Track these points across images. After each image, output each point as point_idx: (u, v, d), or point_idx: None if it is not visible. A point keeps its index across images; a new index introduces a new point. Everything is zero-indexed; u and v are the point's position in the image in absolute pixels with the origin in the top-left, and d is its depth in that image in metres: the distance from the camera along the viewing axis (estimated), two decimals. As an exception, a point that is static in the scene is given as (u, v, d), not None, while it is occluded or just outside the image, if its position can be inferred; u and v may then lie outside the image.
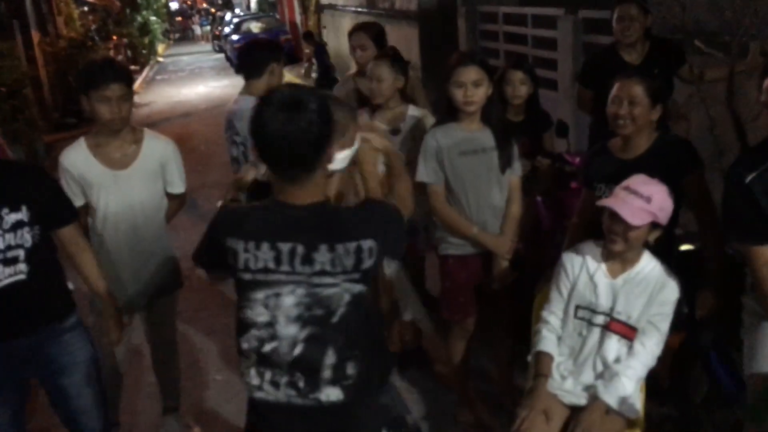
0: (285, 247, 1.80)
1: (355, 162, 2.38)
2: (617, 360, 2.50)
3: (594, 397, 2.47)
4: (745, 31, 3.35)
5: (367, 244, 1.84)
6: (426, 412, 3.46)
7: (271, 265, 1.81)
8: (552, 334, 2.61)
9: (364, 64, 3.74)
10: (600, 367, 2.52)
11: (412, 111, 3.44)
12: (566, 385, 2.56)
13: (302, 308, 1.84)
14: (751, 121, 3.10)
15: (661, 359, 2.53)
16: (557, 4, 6.31)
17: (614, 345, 2.50)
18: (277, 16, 23.08)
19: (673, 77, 3.98)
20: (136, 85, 17.51)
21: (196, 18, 42.36)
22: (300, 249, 1.80)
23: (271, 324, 1.85)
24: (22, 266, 2.36)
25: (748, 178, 2.21)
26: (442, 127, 3.00)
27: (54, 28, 13.39)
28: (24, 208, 2.35)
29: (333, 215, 1.89)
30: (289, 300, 1.83)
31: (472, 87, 2.83)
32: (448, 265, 3.11)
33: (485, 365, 3.59)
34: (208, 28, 34.75)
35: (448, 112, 2.95)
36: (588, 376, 2.54)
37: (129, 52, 19.70)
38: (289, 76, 17.30)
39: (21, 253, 2.35)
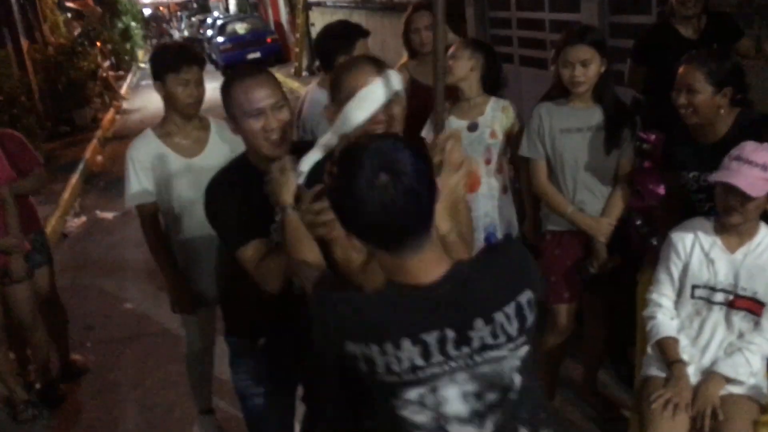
0: (431, 337, 1.40)
1: None
2: (740, 336, 2.39)
3: (711, 372, 2.38)
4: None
5: (525, 296, 1.47)
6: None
7: (420, 362, 1.40)
8: (668, 318, 2.49)
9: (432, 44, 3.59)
10: (724, 348, 2.41)
11: (495, 103, 3.16)
12: (689, 370, 2.44)
13: (473, 400, 1.45)
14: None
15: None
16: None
17: (739, 322, 2.39)
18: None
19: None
20: (123, 91, 17.20)
21: (174, 23, 41.85)
22: (450, 334, 1.41)
23: (440, 426, 1.45)
24: None
25: None
26: (549, 102, 2.93)
27: (41, 35, 13.06)
28: None
29: (476, 277, 1.47)
30: (452, 392, 1.44)
31: (579, 66, 2.73)
32: (545, 241, 3.07)
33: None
34: (186, 33, 34.27)
35: (557, 88, 2.83)
36: (710, 359, 2.43)
37: (113, 58, 19.33)
38: (279, 75, 17.15)
39: None
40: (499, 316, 1.44)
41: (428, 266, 1.44)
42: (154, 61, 2.88)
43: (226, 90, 2.08)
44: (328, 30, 3.43)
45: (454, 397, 1.44)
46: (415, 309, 1.43)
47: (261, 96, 2.02)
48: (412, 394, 1.44)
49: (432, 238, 1.45)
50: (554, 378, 3.26)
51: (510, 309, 1.45)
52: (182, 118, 2.85)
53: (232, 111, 2.06)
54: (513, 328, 1.45)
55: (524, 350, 1.49)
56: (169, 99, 2.81)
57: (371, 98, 1.83)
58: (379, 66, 1.91)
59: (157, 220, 2.96)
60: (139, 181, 2.86)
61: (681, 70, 2.56)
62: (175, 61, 2.75)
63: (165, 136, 2.88)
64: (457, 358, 1.43)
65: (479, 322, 1.43)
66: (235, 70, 2.14)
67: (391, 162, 1.37)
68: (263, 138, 2.03)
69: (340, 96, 1.89)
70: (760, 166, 2.25)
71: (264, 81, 2.07)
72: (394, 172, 1.36)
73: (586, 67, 2.75)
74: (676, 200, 2.82)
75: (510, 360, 1.47)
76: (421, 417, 1.45)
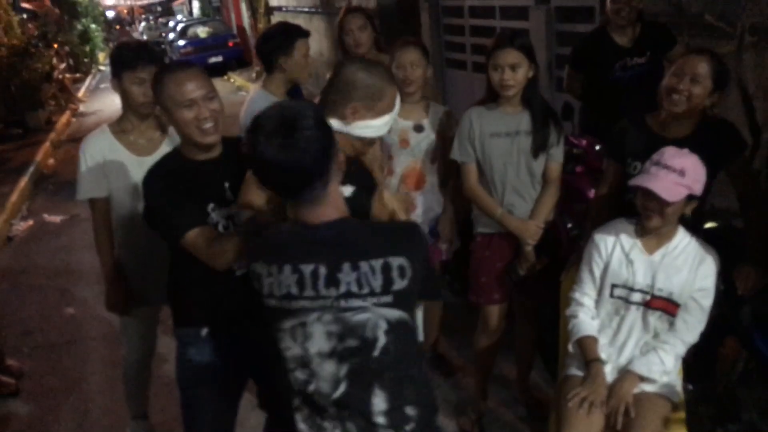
0: (307, 269, 1.66)
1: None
2: (656, 336, 2.45)
3: (626, 370, 2.43)
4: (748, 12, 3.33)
5: (397, 261, 1.66)
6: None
7: (294, 290, 1.66)
8: (589, 317, 2.53)
9: (365, 44, 3.65)
10: (640, 347, 2.46)
11: (435, 107, 3.25)
12: (606, 369, 2.48)
13: (334, 340, 1.67)
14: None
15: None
16: (527, -6, 6.28)
17: (654, 322, 2.44)
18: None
19: (663, 61, 3.97)
20: (80, 93, 16.92)
21: (136, 25, 41.35)
22: (322, 270, 1.65)
23: (305, 362, 1.70)
24: None
25: None
26: (479, 107, 2.95)
27: (-6, 35, 12.77)
28: None
29: (356, 230, 1.73)
30: (317, 329, 1.67)
31: (509, 70, 2.75)
32: (475, 243, 3.10)
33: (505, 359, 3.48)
34: (145, 36, 33.86)
35: (489, 93, 2.86)
36: (627, 358, 2.48)
37: (71, 61, 19.00)
38: (239, 79, 17.06)
39: None
40: (364, 266, 1.65)
41: (319, 211, 1.69)
42: (113, 58, 2.88)
43: (158, 83, 2.21)
44: (268, 32, 3.46)
45: (319, 334, 1.67)
46: (300, 242, 1.69)
47: (192, 87, 2.17)
48: (287, 324, 1.69)
49: (327, 195, 1.69)
50: (486, 377, 3.28)
51: (377, 264, 1.65)
52: (137, 116, 2.84)
53: (165, 103, 2.20)
54: (377, 283, 1.65)
55: (392, 313, 1.67)
56: (124, 97, 2.81)
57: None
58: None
59: (108, 215, 2.92)
60: (90, 175, 2.84)
61: (687, 58, 2.54)
62: (132, 59, 2.76)
63: (119, 133, 2.86)
64: (325, 297, 1.65)
65: (346, 266, 1.65)
66: (166, 66, 2.29)
67: (290, 129, 1.60)
68: (195, 126, 2.18)
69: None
70: (677, 171, 2.29)
71: (194, 74, 2.21)
72: (287, 135, 1.59)
73: (515, 71, 2.77)
74: (610, 197, 2.82)
75: (373, 315, 1.65)
76: (291, 352, 1.71)
